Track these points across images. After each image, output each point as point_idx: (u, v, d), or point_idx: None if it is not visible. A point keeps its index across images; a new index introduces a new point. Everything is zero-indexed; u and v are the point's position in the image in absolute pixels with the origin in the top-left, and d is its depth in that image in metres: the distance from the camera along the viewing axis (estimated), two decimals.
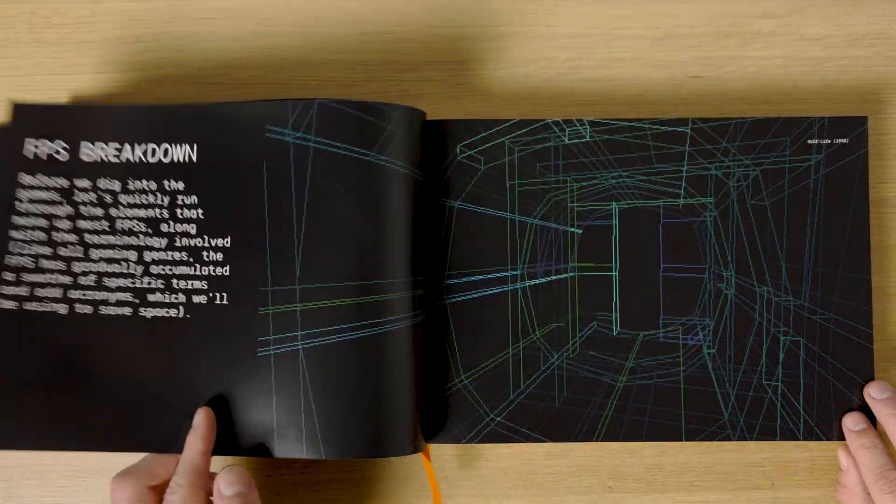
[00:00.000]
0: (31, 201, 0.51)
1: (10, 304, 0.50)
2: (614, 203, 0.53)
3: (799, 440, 0.52)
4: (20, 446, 0.49)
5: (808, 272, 0.53)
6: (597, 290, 0.53)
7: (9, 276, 0.51)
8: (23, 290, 0.50)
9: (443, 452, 0.54)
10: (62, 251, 0.51)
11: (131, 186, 0.51)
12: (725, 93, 0.56)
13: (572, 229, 0.53)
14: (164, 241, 0.50)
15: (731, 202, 0.53)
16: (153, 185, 0.51)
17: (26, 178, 0.51)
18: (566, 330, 0.53)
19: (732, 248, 0.53)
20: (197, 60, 0.57)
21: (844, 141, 0.53)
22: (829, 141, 0.53)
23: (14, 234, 0.51)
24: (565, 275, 0.53)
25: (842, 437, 0.52)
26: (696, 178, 0.53)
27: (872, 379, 0.52)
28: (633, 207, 0.53)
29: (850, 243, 0.53)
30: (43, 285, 0.50)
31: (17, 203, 0.51)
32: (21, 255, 0.51)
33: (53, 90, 0.56)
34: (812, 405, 0.52)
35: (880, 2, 0.57)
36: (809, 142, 0.53)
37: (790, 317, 0.53)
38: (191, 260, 0.50)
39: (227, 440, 0.49)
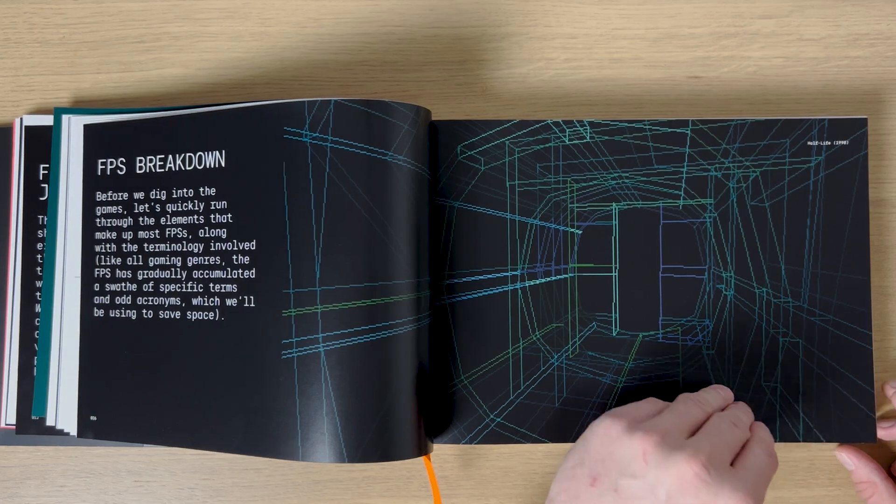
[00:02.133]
0: (104, 216, 0.53)
1: (99, 313, 0.52)
2: (614, 204, 0.53)
3: (798, 441, 0.51)
4: (116, 437, 0.52)
5: (808, 274, 0.52)
6: (596, 291, 0.53)
7: (97, 286, 0.52)
8: (106, 299, 0.52)
9: (443, 452, 0.54)
10: (129, 261, 0.52)
11: (175, 195, 0.52)
12: (725, 93, 0.56)
13: (572, 230, 0.53)
14: (201, 247, 0.51)
15: (730, 203, 0.53)
16: (191, 193, 0.51)
17: (100, 196, 0.53)
18: (566, 330, 0.52)
19: (732, 249, 0.52)
20: (197, 60, 0.56)
21: (844, 143, 0.52)
22: (829, 143, 0.52)
23: (97, 248, 0.53)
24: (565, 275, 0.53)
25: (842, 439, 0.51)
26: (695, 180, 0.53)
27: (871, 381, 0.51)
28: (632, 208, 0.53)
29: (849, 245, 0.52)
30: (119, 293, 0.52)
31: (96, 220, 0.53)
32: (103, 266, 0.53)
33: (54, 90, 0.56)
34: (811, 406, 0.52)
35: (880, 2, 0.56)
36: (809, 143, 0.53)
37: (789, 318, 0.52)
38: (223, 263, 0.50)
39: (254, 443, 0.48)
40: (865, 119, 0.53)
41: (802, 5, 0.56)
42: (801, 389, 0.52)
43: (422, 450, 0.49)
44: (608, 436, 0.45)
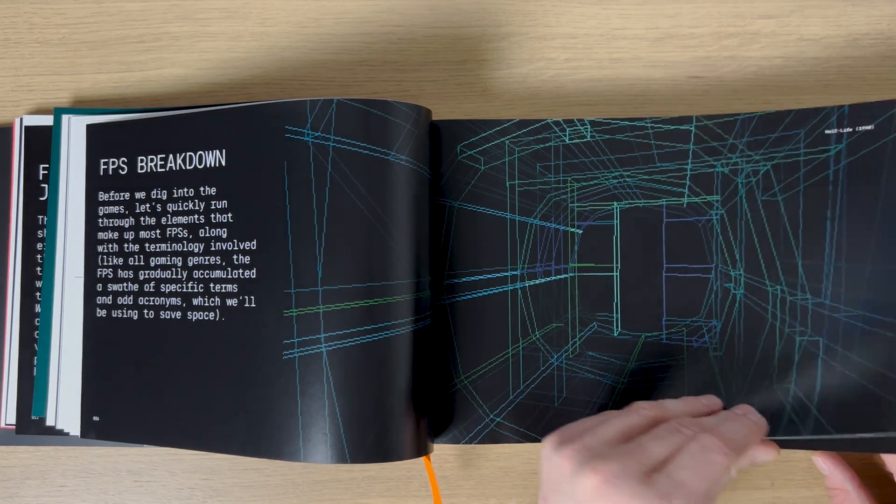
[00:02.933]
0: (107, 216, 0.53)
1: (102, 313, 0.52)
2: (615, 203, 0.52)
3: (803, 435, 0.49)
4: (119, 438, 0.51)
5: (830, 269, 0.49)
6: (597, 291, 0.52)
7: (99, 286, 0.52)
8: (109, 300, 0.52)
9: (443, 452, 0.53)
10: (130, 261, 0.52)
11: (175, 195, 0.51)
12: (725, 93, 0.55)
13: (572, 229, 0.52)
14: (201, 247, 0.50)
15: (739, 199, 0.51)
16: (191, 192, 0.51)
17: (102, 195, 0.53)
18: (566, 330, 0.52)
19: (741, 246, 0.51)
20: (197, 60, 0.56)
21: (870, 127, 0.49)
22: (851, 129, 0.49)
23: (99, 248, 0.52)
24: (565, 275, 0.52)
25: (848, 430, 0.49)
26: (700, 176, 0.51)
27: None
28: (634, 207, 0.52)
29: (880, 234, 0.49)
30: (121, 294, 0.52)
31: (98, 220, 0.53)
32: (105, 266, 0.52)
33: (54, 90, 0.55)
34: (828, 404, 0.49)
35: (880, 2, 0.56)
36: (827, 132, 0.50)
37: (808, 316, 0.50)
38: (223, 263, 0.50)
39: (255, 444, 0.48)
40: (894, 101, 0.49)
41: (802, 5, 0.56)
42: (818, 388, 0.49)
43: (422, 450, 0.48)
44: (543, 455, 0.44)
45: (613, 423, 0.44)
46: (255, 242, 0.49)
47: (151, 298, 0.51)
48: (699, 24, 0.56)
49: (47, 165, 0.53)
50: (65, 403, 0.52)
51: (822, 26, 0.56)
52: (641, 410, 0.45)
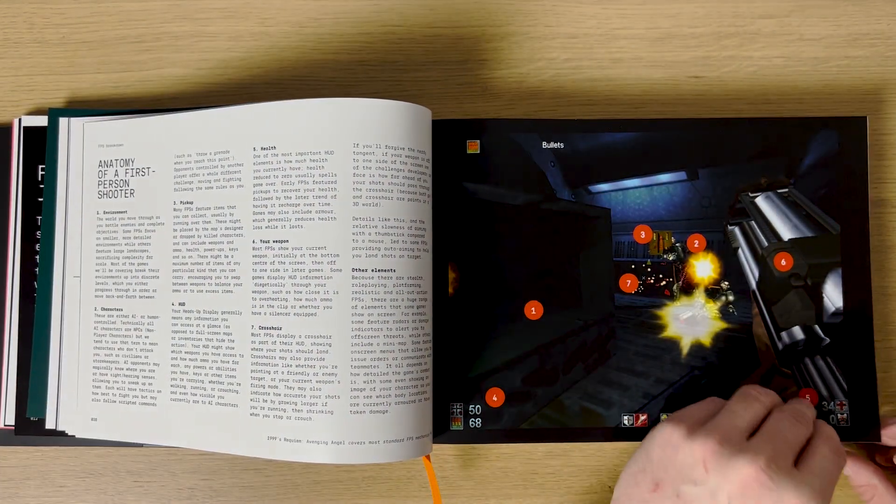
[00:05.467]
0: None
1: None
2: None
3: None
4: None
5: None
6: None
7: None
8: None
9: (443, 452, 0.53)
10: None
11: None
12: (725, 93, 0.54)
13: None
14: None
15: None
16: None
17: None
18: None
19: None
20: (197, 60, 0.55)
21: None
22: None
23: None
24: None
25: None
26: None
27: (874, 381, 0.50)
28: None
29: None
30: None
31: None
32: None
33: (54, 90, 0.54)
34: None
35: (880, 2, 0.55)
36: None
37: None
38: None
39: None
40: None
41: (803, 5, 0.55)
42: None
43: (426, 448, 0.48)
44: (669, 442, 0.43)
45: (737, 411, 0.44)
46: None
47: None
48: (699, 24, 0.55)
49: None
50: (66, 404, 0.51)
51: (823, 26, 0.55)
52: (761, 397, 0.45)
